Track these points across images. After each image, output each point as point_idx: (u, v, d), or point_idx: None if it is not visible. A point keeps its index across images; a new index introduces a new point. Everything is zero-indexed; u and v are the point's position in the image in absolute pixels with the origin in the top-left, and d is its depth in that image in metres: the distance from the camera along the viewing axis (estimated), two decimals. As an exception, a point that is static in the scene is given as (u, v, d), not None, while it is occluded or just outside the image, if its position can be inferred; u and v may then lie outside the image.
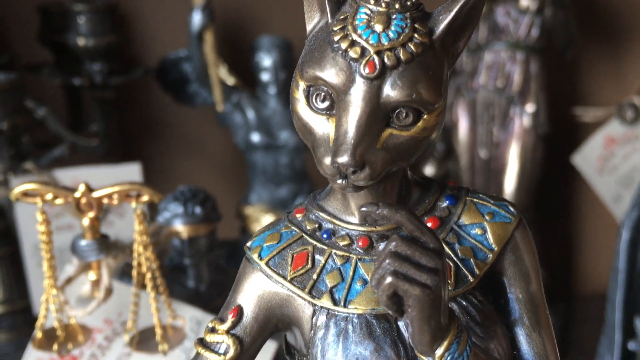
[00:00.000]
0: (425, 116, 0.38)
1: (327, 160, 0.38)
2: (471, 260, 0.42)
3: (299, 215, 0.44)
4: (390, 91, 0.37)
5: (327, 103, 0.39)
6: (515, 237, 0.43)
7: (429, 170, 1.45)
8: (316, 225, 0.43)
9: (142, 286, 0.65)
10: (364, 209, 0.36)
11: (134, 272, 0.64)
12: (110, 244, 0.63)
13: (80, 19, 1.21)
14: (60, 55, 1.39)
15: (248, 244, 0.44)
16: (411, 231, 0.36)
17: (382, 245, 0.36)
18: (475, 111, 1.39)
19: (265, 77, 1.18)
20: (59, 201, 0.61)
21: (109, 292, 0.64)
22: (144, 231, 0.62)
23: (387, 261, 0.35)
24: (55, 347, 0.63)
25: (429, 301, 0.35)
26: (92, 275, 0.65)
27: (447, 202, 0.44)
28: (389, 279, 0.34)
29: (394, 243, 0.35)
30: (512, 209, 0.44)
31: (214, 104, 1.30)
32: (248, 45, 1.25)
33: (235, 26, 1.43)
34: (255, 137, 1.20)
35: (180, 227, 0.75)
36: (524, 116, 1.36)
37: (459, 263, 0.41)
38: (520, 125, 1.37)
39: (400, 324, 0.40)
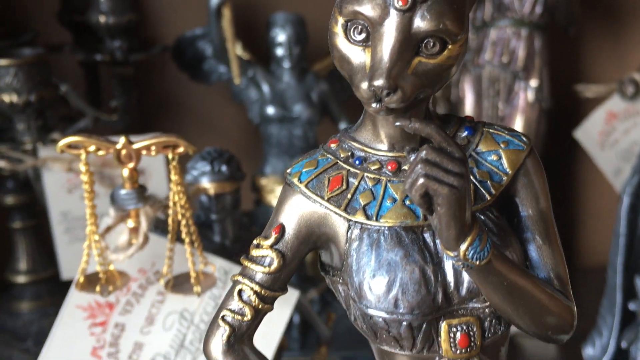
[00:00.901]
0: (450, 46, 0.43)
1: (364, 85, 0.42)
2: (488, 182, 0.46)
3: (333, 145, 0.49)
4: (420, 22, 0.42)
5: (363, 35, 0.44)
6: (527, 163, 0.48)
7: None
8: (349, 153, 0.48)
9: (176, 235, 0.69)
10: (398, 123, 0.41)
11: (170, 220, 0.69)
12: (148, 195, 0.68)
13: (102, -2, 1.25)
14: (78, 34, 1.44)
15: (288, 171, 0.49)
16: (439, 142, 0.41)
17: (412, 157, 0.40)
18: (480, 86, 1.42)
19: (279, 52, 1.23)
20: (100, 153, 0.66)
21: (146, 238, 0.69)
22: (179, 181, 0.67)
23: (419, 166, 0.40)
24: (97, 288, 0.68)
25: (456, 200, 0.39)
26: (130, 223, 0.69)
27: (467, 132, 0.48)
28: (421, 180, 0.39)
29: (424, 152, 0.40)
30: (524, 138, 0.49)
31: (228, 81, 1.35)
32: (263, 22, 1.30)
33: (250, 3, 1.47)
34: (270, 110, 1.24)
35: (207, 184, 0.80)
36: (528, 91, 1.40)
37: (477, 184, 0.46)
38: (524, 100, 1.41)
39: (426, 235, 0.45)
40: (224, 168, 0.81)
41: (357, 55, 0.44)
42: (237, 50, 1.24)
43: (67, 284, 1.45)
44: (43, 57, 1.13)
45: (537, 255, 0.47)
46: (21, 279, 1.40)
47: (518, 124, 1.42)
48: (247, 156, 1.52)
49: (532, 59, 1.39)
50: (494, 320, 0.46)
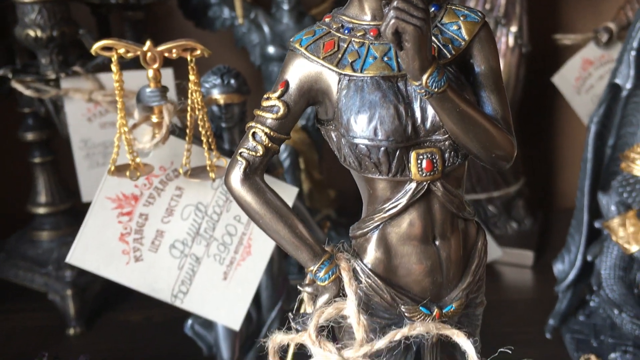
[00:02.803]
0: None
1: None
2: (449, 45, 0.57)
3: (327, 20, 0.61)
4: None
5: None
6: (481, 32, 0.59)
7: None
8: (340, 25, 0.59)
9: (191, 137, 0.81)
10: None
11: (188, 116, 0.80)
12: (169, 93, 0.79)
13: (117, -56, 1.34)
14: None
15: (291, 39, 0.60)
16: None
17: (387, 9, 0.51)
18: None
19: (279, -5, 1.33)
20: (129, 54, 0.77)
21: (168, 131, 0.80)
22: (196, 80, 0.78)
23: (392, 12, 0.51)
24: (127, 174, 0.79)
25: (419, 37, 0.51)
26: (154, 119, 0.81)
27: (434, 8, 0.60)
28: (392, 21, 0.50)
29: (396, 1, 0.51)
30: (479, 13, 0.60)
31: (231, 27, 1.45)
32: (263, -32, 1.40)
33: None
34: (271, 50, 1.35)
35: (218, 95, 0.91)
36: (509, 35, 1.50)
37: (441, 47, 0.57)
38: (505, 44, 1.51)
39: (399, 83, 0.56)
40: (232, 81, 0.92)
41: None
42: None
43: (82, 215, 1.56)
44: None
45: (487, 102, 0.59)
46: (41, 210, 1.49)
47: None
48: (249, 103, 1.63)
49: (513, 6, 1.49)
50: (452, 152, 0.57)
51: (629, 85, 1.16)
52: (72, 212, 1.53)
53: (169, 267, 0.89)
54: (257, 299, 1.04)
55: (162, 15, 1.59)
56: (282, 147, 1.42)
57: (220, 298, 0.89)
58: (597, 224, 1.22)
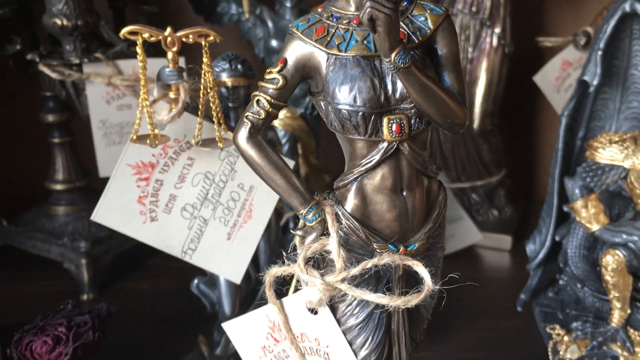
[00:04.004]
0: None
1: None
2: (417, 33, 0.70)
3: (319, 9, 0.73)
4: None
5: None
6: (444, 22, 0.72)
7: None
8: (329, 14, 0.72)
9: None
10: None
11: (201, 94, 0.93)
12: (186, 74, 0.92)
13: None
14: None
15: (290, 25, 0.73)
16: None
17: (368, 3, 0.64)
18: None
19: (283, -7, 1.46)
20: (152, 39, 0.89)
21: (184, 106, 0.92)
22: (209, 62, 0.91)
23: (368, 3, 0.63)
24: (147, 141, 0.92)
25: (389, 22, 0.63)
26: (171, 95, 0.93)
27: (406, 2, 0.72)
28: (368, 9, 0.63)
29: None
30: (444, 8, 0.73)
31: (238, 22, 1.57)
32: (269, -31, 1.53)
33: None
34: (274, 43, 1.48)
35: (226, 79, 1.04)
36: (493, 36, 1.63)
37: (410, 34, 0.70)
38: (489, 44, 1.64)
39: (376, 62, 0.68)
40: (239, 66, 1.05)
41: None
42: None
43: (96, 192, 1.68)
44: None
45: (446, 79, 0.71)
46: (58, 187, 1.62)
47: (484, 66, 1.65)
48: (253, 87, 1.75)
49: (498, 9, 1.61)
50: (417, 119, 0.70)
51: (595, 82, 1.28)
52: (86, 189, 1.66)
53: (180, 227, 1.02)
54: (256, 261, 1.17)
55: (174, 10, 1.72)
56: (282, 133, 1.56)
57: (224, 255, 1.02)
58: (565, 208, 1.34)
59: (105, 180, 1.32)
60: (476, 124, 1.68)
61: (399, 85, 0.68)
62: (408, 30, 0.70)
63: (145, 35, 0.88)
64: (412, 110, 0.69)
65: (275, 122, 1.49)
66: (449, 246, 1.66)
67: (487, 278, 1.59)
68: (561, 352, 1.26)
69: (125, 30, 0.88)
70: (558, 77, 1.74)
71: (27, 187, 1.74)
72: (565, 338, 1.28)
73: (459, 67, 0.72)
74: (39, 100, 1.59)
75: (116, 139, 1.40)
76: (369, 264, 0.68)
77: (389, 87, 0.68)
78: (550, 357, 1.27)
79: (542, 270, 1.42)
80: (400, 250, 0.71)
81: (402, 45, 0.65)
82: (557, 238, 1.36)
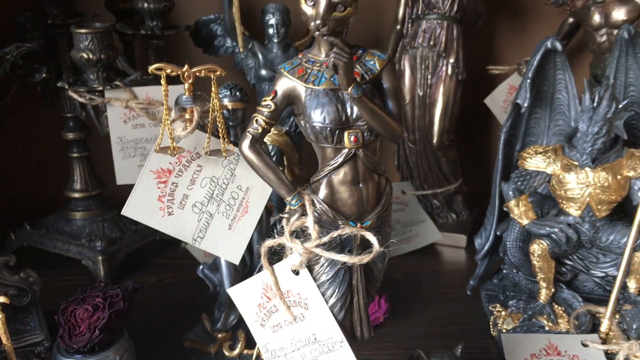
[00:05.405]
0: (349, 8, 0.94)
1: (313, 24, 0.94)
2: (368, 73, 0.98)
3: (300, 56, 1.02)
4: None
5: (311, 3, 0.95)
6: (387, 65, 1.00)
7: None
8: (307, 59, 1.00)
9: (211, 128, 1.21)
10: (330, 39, 0.92)
11: (209, 116, 1.21)
12: (198, 99, 1.20)
13: (147, -10, 1.76)
14: (119, 17, 1.95)
15: (279, 66, 1.01)
16: (341, 46, 0.91)
17: (331, 53, 0.92)
18: (415, 62, 1.92)
19: (270, 31, 1.75)
20: (173, 73, 1.17)
21: (196, 125, 1.20)
22: (216, 91, 1.19)
23: (332, 54, 0.91)
24: (168, 152, 1.20)
25: (346, 67, 0.91)
26: (187, 116, 1.21)
27: (360, 51, 1.01)
28: (332, 59, 0.91)
29: (335, 48, 0.92)
30: (386, 54, 1.02)
31: (232, 54, 1.86)
32: (259, 10, 1.81)
33: None
34: (263, 72, 1.77)
35: (227, 103, 1.33)
36: (448, 66, 1.92)
37: (364, 73, 0.98)
38: (445, 72, 1.92)
39: (339, 93, 0.97)
40: (237, 93, 1.34)
41: (309, 10, 0.96)
42: (242, 29, 1.76)
43: (109, 200, 1.94)
44: (108, 29, 1.64)
45: (390, 104, 0.99)
46: (76, 195, 1.87)
47: (441, 90, 1.93)
48: (248, 109, 2.02)
49: (452, 43, 1.90)
50: (368, 133, 0.98)
51: (525, 104, 1.58)
52: (100, 197, 1.92)
53: (191, 220, 1.29)
54: (250, 249, 1.44)
55: (177, 42, 2.01)
56: (270, 147, 1.84)
57: (226, 242, 1.30)
58: (504, 208, 1.64)
59: (118, 189, 1.59)
60: (435, 139, 1.97)
61: (355, 109, 0.97)
62: (362, 71, 0.99)
63: (168, 71, 1.16)
64: (365, 127, 0.98)
65: (265, 138, 1.78)
66: (413, 244, 1.96)
67: (444, 270, 1.88)
68: (499, 325, 1.55)
69: (152, 67, 1.16)
70: (505, 100, 2.02)
71: (48, 196, 1.98)
72: (503, 313, 1.57)
73: (397, 96, 1.01)
74: (61, 120, 1.85)
75: (131, 152, 1.66)
76: (335, 234, 0.96)
77: (348, 110, 0.98)
78: (491, 328, 1.56)
79: (488, 260, 1.71)
80: (358, 225, 0.99)
81: (356, 82, 0.94)
82: (498, 233, 1.65)
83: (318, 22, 0.91)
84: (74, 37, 1.61)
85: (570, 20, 1.91)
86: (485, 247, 1.67)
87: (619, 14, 1.78)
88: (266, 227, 1.44)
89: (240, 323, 1.45)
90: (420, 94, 1.95)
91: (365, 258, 0.95)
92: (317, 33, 0.93)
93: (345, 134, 0.97)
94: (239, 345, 1.44)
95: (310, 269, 1.01)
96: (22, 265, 1.42)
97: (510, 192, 1.55)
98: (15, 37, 1.71)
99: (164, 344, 1.52)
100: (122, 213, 1.26)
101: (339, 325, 1.02)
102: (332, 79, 0.97)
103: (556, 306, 1.54)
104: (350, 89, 0.92)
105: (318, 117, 0.96)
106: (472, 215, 2.07)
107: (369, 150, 1.00)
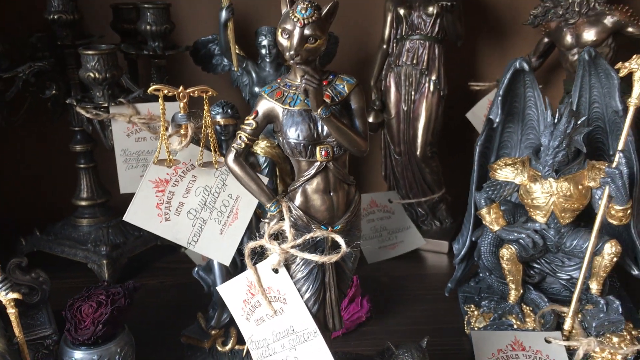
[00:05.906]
0: (319, 40, 1.08)
1: (287, 54, 1.08)
2: (338, 95, 1.11)
3: (279, 80, 1.15)
4: (307, 31, 1.06)
5: (287, 35, 1.09)
6: (355, 88, 1.13)
7: (371, 118, 2.13)
8: (284, 84, 1.14)
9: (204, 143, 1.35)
10: (299, 66, 1.06)
11: (202, 132, 1.35)
12: (192, 116, 1.34)
13: (149, 12, 1.90)
14: (124, 37, 2.09)
15: (260, 90, 1.15)
16: (311, 74, 1.04)
17: (303, 80, 1.06)
18: (400, 79, 2.04)
19: (263, 51, 1.89)
20: (170, 93, 1.31)
21: (190, 140, 1.34)
22: (208, 109, 1.33)
23: (304, 80, 1.04)
24: (165, 163, 1.34)
25: (316, 91, 1.04)
26: (182, 131, 1.35)
27: (331, 76, 1.14)
28: (304, 85, 1.04)
29: (306, 75, 1.05)
30: (354, 79, 1.15)
31: (229, 72, 2.00)
32: (252, 32, 1.96)
33: (245, 19, 2.11)
34: (257, 89, 1.91)
35: (220, 119, 1.47)
36: (430, 83, 2.05)
37: (334, 96, 1.12)
38: (428, 89, 2.05)
39: (312, 113, 1.10)
40: (229, 110, 1.48)
41: (285, 42, 1.09)
42: (236, 49, 1.91)
43: (113, 208, 2.08)
44: (113, 50, 1.79)
45: (357, 123, 1.12)
46: (83, 203, 2.01)
47: (423, 106, 2.06)
48: (239, 124, 2.16)
49: (434, 62, 2.02)
50: (337, 148, 1.11)
51: (497, 119, 1.71)
52: (105, 205, 2.05)
53: (186, 225, 1.43)
54: (241, 252, 1.58)
55: (178, 61, 2.15)
56: (263, 159, 1.98)
57: (218, 245, 1.44)
58: (478, 215, 1.76)
59: (122, 197, 1.72)
60: (419, 152, 2.10)
61: (325, 127, 1.11)
62: (332, 94, 1.13)
63: (165, 91, 1.31)
64: (334, 142, 1.12)
65: (258, 150, 1.92)
66: (399, 249, 2.09)
67: (427, 274, 2.01)
68: (472, 323, 1.68)
69: (151, 88, 1.30)
70: (485, 114, 2.15)
71: (56, 204, 2.11)
72: (476, 313, 1.69)
73: (364, 115, 1.14)
74: (69, 134, 1.99)
75: (134, 164, 1.79)
76: (308, 236, 1.10)
77: (319, 128, 1.11)
78: (465, 327, 1.69)
79: (465, 264, 1.83)
80: (329, 229, 1.13)
81: (325, 104, 1.08)
82: (473, 239, 1.78)
83: (292, 52, 1.05)
84: (81, 57, 1.75)
85: (546, 40, 2.05)
86: (462, 252, 1.80)
87: (589, 34, 1.92)
88: (255, 231, 1.58)
89: (233, 321, 1.59)
90: (405, 108, 2.08)
91: (334, 257, 1.09)
92: (291, 62, 1.07)
93: (317, 148, 1.11)
94: (231, 341, 1.57)
95: (287, 267, 1.15)
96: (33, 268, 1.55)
97: (483, 201, 1.68)
98: (28, 56, 1.85)
99: (162, 340, 1.65)
100: (123, 219, 1.40)
101: (313, 318, 1.15)
102: (305, 100, 1.11)
103: (524, 306, 1.66)
104: (319, 110, 1.06)
105: (293, 134, 1.10)
106: (456, 222, 2.20)
107: (338, 163, 1.13)
